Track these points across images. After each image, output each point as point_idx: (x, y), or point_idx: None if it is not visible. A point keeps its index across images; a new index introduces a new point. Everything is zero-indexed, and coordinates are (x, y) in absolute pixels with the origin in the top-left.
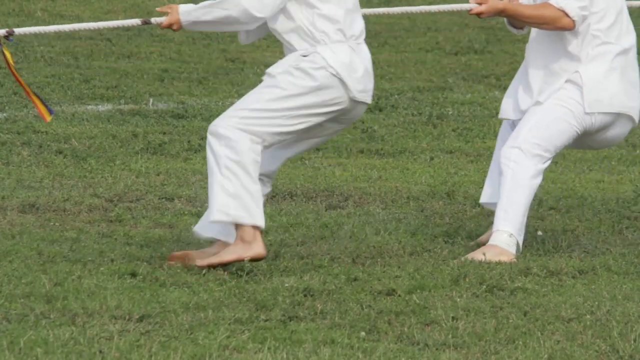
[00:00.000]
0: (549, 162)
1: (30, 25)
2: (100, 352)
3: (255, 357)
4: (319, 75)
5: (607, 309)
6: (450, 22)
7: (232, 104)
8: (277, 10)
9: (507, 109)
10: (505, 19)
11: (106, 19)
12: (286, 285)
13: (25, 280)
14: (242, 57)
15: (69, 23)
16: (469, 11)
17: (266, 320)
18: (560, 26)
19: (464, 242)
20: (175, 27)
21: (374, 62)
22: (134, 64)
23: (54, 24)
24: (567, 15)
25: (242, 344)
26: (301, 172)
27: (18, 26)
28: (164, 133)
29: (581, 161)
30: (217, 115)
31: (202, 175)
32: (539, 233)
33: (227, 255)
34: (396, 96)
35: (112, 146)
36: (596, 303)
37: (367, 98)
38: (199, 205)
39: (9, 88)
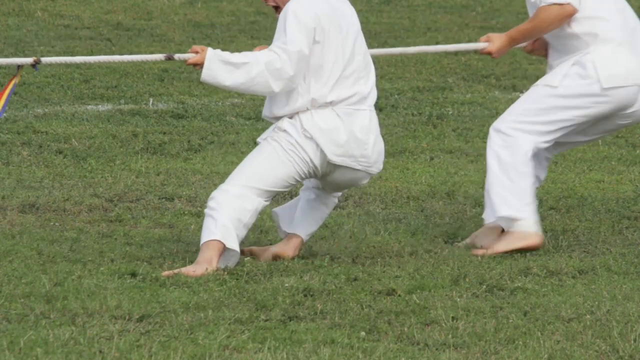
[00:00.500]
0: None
1: (30, 25)
2: (100, 352)
3: (255, 357)
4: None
5: (607, 309)
6: (450, 22)
7: (232, 104)
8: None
9: None
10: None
11: (106, 19)
12: (286, 285)
13: (25, 280)
14: None
15: (69, 23)
16: (479, 51)
17: (266, 320)
18: (564, 17)
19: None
20: (197, 67)
21: (373, 62)
22: (134, 64)
23: (54, 24)
24: (561, 4)
25: (242, 344)
26: None
27: (18, 26)
28: (164, 133)
29: (581, 161)
30: (217, 115)
31: (202, 175)
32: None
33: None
34: (396, 96)
35: (112, 146)
36: (596, 303)
37: (353, 164)
38: (199, 205)
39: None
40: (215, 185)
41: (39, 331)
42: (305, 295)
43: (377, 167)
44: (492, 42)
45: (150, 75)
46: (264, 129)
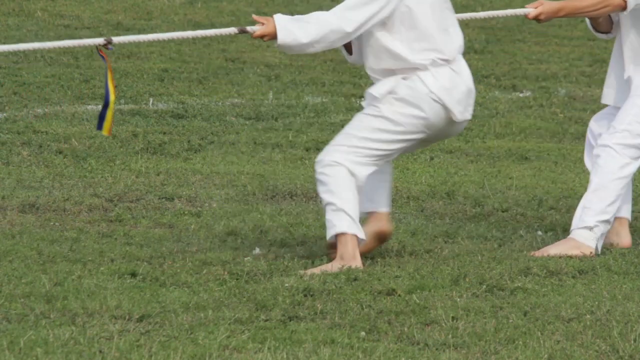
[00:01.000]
0: None
1: (30, 25)
2: (100, 352)
3: (255, 357)
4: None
5: (607, 309)
6: None
7: (232, 104)
8: (365, 28)
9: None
10: (589, 25)
11: (106, 19)
12: (286, 285)
13: (25, 280)
14: (242, 57)
15: (69, 23)
16: (526, 15)
17: (266, 320)
18: (612, 8)
19: (464, 242)
20: (266, 38)
21: None
22: (134, 64)
23: (53, 24)
24: None
25: (242, 344)
26: (301, 172)
27: (18, 26)
28: (164, 133)
29: (581, 161)
30: (217, 115)
31: (202, 175)
32: (539, 233)
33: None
34: None
35: (112, 146)
36: (596, 303)
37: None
38: (199, 205)
39: (9, 88)
40: (216, 185)
41: (39, 331)
42: (305, 295)
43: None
44: (542, 5)
45: (150, 75)
46: (264, 129)
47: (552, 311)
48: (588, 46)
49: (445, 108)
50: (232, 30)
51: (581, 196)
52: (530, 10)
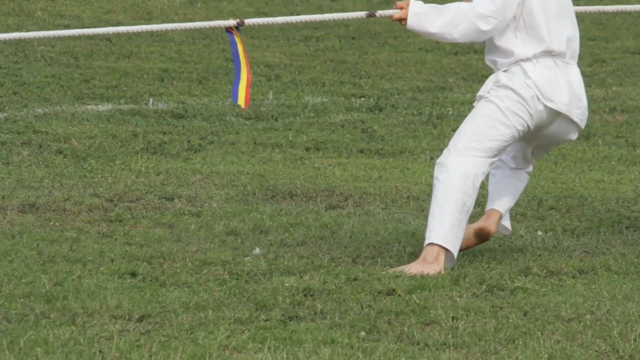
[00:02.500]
0: None
1: (30, 25)
2: (100, 352)
3: (255, 357)
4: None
5: (607, 309)
6: None
7: (232, 104)
8: (502, 28)
9: None
10: None
11: (106, 19)
12: (286, 285)
13: (25, 280)
14: None
15: (69, 23)
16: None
17: (266, 320)
18: None
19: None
20: (403, 22)
21: (373, 62)
22: (134, 64)
23: (53, 24)
24: None
25: (242, 344)
26: (301, 172)
27: (18, 26)
28: (164, 133)
29: (581, 161)
30: (217, 115)
31: (202, 175)
32: (539, 233)
33: None
34: (396, 96)
35: (112, 146)
36: (596, 303)
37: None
38: (199, 205)
39: (9, 88)
40: (216, 185)
41: (39, 331)
42: (305, 295)
43: (584, 122)
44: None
45: (150, 75)
46: (264, 129)
47: (552, 311)
48: (588, 46)
49: (542, 96)
50: (361, 14)
51: (581, 196)
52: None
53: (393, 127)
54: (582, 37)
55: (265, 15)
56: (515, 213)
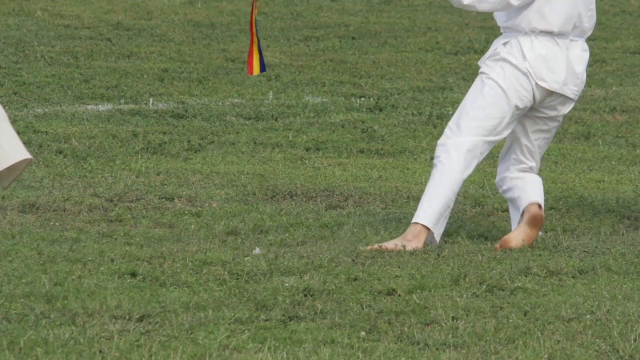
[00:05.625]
0: None
1: (30, 25)
2: (100, 352)
3: (255, 357)
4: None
5: (607, 309)
6: (450, 22)
7: (232, 104)
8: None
9: None
10: None
11: (106, 19)
12: (286, 285)
13: (25, 280)
14: (242, 57)
15: (69, 23)
16: None
17: (266, 320)
18: None
19: (464, 242)
20: None
21: (373, 62)
22: (134, 64)
23: (53, 24)
24: None
25: (242, 344)
26: (301, 172)
27: (18, 26)
28: (164, 133)
29: (581, 161)
30: (217, 115)
31: (202, 175)
32: (539, 233)
33: None
34: (396, 96)
35: (112, 146)
36: (596, 303)
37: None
38: (199, 205)
39: (9, 88)
40: (216, 185)
41: (39, 331)
42: (305, 295)
43: (579, 95)
44: None
45: (150, 75)
46: (264, 129)
47: (552, 311)
48: (588, 46)
49: (535, 75)
50: None
51: (581, 196)
52: None
53: (393, 127)
54: None
55: (265, 15)
56: None
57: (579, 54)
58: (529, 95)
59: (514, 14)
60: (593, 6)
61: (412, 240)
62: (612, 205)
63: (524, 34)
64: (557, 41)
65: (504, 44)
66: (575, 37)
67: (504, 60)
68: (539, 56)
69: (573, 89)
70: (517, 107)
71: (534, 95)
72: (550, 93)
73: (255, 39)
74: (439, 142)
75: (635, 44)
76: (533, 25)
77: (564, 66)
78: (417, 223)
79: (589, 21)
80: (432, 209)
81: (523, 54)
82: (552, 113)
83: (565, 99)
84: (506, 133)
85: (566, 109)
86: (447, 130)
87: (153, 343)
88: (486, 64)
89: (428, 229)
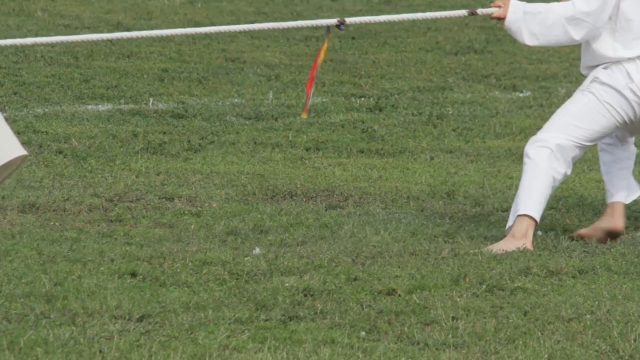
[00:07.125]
0: None
1: (30, 25)
2: (100, 352)
3: (255, 357)
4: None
5: (607, 309)
6: (450, 22)
7: (232, 104)
8: (595, 34)
9: None
10: None
11: (106, 19)
12: (286, 285)
13: (25, 280)
14: (242, 57)
15: (69, 23)
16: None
17: (266, 320)
18: None
19: (464, 242)
20: (502, 21)
21: (373, 62)
22: (134, 64)
23: (54, 24)
24: None
25: (242, 344)
26: (301, 172)
27: (18, 26)
28: (164, 133)
29: (581, 161)
30: (217, 115)
31: (202, 175)
32: (539, 233)
33: None
34: (396, 96)
35: (112, 146)
36: (596, 303)
37: None
38: (199, 205)
39: (9, 88)
40: (216, 185)
41: (39, 331)
42: (305, 295)
43: None
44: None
45: (150, 75)
46: (264, 129)
47: (552, 311)
48: None
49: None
50: (463, 12)
51: (581, 196)
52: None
53: (393, 127)
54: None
55: (265, 15)
56: None
57: None
58: (632, 115)
59: (605, 47)
60: None
61: (520, 238)
62: None
63: (628, 61)
64: None
65: (604, 68)
66: None
67: (604, 84)
68: None
69: None
70: (617, 123)
71: (636, 115)
72: None
73: (312, 83)
74: (531, 139)
75: None
76: (636, 50)
77: None
78: (523, 215)
79: None
80: (531, 200)
81: (631, 78)
82: None
83: None
84: (598, 141)
85: None
86: (539, 131)
87: (153, 343)
88: (586, 87)
89: (535, 220)
